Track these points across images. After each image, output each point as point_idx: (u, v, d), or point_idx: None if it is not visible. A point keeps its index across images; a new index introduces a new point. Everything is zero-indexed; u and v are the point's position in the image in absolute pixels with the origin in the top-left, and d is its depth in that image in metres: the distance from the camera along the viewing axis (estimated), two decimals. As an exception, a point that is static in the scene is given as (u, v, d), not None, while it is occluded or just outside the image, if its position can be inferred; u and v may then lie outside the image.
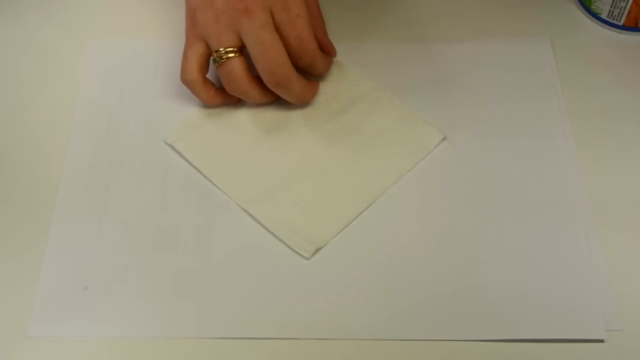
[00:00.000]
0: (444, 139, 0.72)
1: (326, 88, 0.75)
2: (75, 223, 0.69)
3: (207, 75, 0.72)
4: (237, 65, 0.69)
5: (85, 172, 0.72)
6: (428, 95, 0.75)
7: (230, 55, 0.69)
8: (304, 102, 0.73)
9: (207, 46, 0.70)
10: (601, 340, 0.62)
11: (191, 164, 0.71)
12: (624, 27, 0.80)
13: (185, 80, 0.72)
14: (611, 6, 0.79)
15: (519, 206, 0.69)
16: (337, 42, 0.76)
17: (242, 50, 0.69)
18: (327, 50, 0.74)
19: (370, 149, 0.72)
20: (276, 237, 0.68)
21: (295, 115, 0.74)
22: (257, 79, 0.71)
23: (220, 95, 0.73)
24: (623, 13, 0.79)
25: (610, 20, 0.80)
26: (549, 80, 0.77)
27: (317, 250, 0.67)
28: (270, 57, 0.68)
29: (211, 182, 0.70)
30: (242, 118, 0.74)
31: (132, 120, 0.75)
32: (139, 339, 0.63)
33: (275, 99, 0.73)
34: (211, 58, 0.70)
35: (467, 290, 0.65)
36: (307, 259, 0.67)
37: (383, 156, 0.71)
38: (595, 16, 0.81)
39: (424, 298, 0.65)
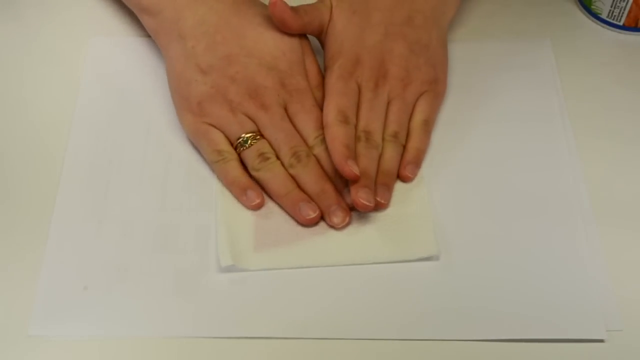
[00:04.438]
0: (434, 257, 0.67)
1: None
2: (75, 222, 0.69)
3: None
4: (267, 144, 0.70)
5: (85, 171, 0.72)
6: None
7: (258, 137, 0.70)
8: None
9: (223, 133, 0.71)
10: (601, 340, 0.62)
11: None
12: (624, 27, 0.80)
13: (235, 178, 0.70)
14: (611, 6, 0.79)
15: (519, 206, 0.69)
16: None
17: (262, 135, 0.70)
18: None
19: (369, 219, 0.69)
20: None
21: None
22: None
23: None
24: (623, 13, 0.79)
25: (610, 20, 0.81)
26: (549, 81, 0.77)
27: (232, 266, 0.66)
28: (295, 142, 0.69)
29: None
30: None
31: (132, 119, 0.75)
32: (140, 338, 0.63)
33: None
34: (235, 144, 0.70)
35: (466, 290, 0.65)
36: (222, 269, 0.66)
37: (368, 232, 0.68)
38: (595, 16, 0.81)
39: (424, 298, 0.65)
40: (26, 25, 0.82)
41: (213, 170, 0.71)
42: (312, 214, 0.67)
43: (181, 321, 0.64)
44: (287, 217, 0.69)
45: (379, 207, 0.68)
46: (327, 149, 0.68)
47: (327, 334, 0.63)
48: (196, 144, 0.72)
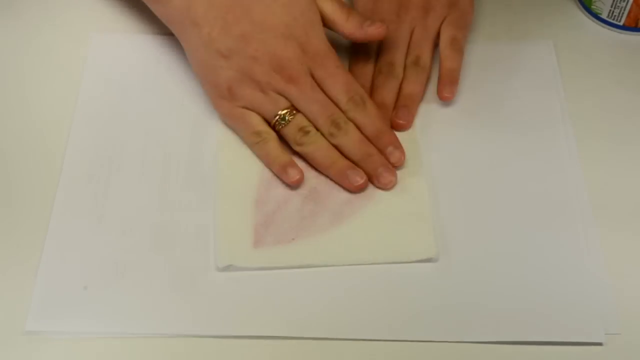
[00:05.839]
0: (432, 259, 0.67)
1: None
2: (74, 219, 0.69)
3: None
4: (304, 117, 0.71)
5: (85, 169, 0.72)
6: (431, 96, 0.76)
7: (294, 112, 0.70)
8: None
9: (259, 114, 0.71)
10: (599, 344, 0.62)
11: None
12: (624, 27, 0.80)
13: (283, 162, 0.70)
14: (611, 6, 0.79)
15: (518, 208, 0.69)
16: (342, 42, 0.77)
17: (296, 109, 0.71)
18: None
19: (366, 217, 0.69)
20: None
21: None
22: None
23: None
24: (623, 13, 0.79)
25: (610, 20, 0.81)
26: (552, 83, 0.77)
27: (230, 265, 0.66)
28: (330, 111, 0.70)
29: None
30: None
31: (133, 116, 0.75)
32: (137, 336, 0.63)
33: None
34: (273, 123, 0.71)
35: (465, 291, 0.65)
36: (219, 268, 0.66)
37: (367, 232, 0.68)
38: (596, 16, 0.81)
39: (422, 299, 0.65)
40: (27, 22, 0.81)
41: (253, 151, 0.72)
42: (360, 180, 0.69)
43: (180, 319, 0.64)
44: (286, 216, 0.69)
45: (399, 128, 0.73)
46: (361, 111, 0.70)
47: (326, 334, 0.63)
48: (233, 128, 0.73)
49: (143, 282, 0.66)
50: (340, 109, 0.70)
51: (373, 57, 0.76)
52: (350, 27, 0.73)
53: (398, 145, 0.70)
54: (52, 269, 0.66)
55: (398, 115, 0.73)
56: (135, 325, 0.64)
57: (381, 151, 0.70)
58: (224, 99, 0.71)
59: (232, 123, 0.73)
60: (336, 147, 0.70)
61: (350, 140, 0.70)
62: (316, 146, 0.70)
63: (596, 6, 0.81)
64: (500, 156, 0.72)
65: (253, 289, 0.65)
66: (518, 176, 0.71)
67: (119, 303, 0.65)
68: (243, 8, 0.71)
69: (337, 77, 0.71)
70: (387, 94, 0.74)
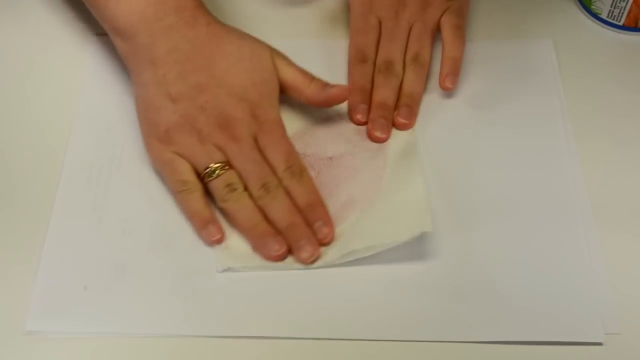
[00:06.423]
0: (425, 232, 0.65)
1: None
2: (74, 220, 0.69)
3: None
4: (235, 174, 0.68)
5: (85, 169, 0.72)
6: (431, 94, 0.76)
7: (226, 168, 0.68)
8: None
9: (190, 163, 0.69)
10: (599, 343, 0.62)
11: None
12: (624, 27, 0.81)
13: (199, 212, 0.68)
14: (611, 6, 0.79)
15: (518, 208, 0.69)
16: (340, 43, 0.78)
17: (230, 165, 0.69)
18: None
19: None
20: None
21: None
22: None
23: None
24: (623, 13, 0.79)
25: (610, 20, 0.81)
26: (552, 82, 0.77)
27: (229, 268, 0.66)
28: (264, 173, 0.68)
29: None
30: None
31: (133, 117, 0.74)
32: (138, 336, 0.63)
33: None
34: (202, 174, 0.68)
35: (465, 291, 0.65)
36: (219, 271, 0.66)
37: (363, 220, 0.68)
38: (595, 16, 0.81)
39: (423, 299, 0.65)
40: (28, 23, 0.82)
41: (175, 200, 0.69)
42: (280, 250, 0.66)
43: (180, 319, 0.64)
44: None
45: (402, 127, 0.74)
46: (297, 181, 0.68)
47: (326, 334, 0.63)
48: (160, 172, 0.70)
49: (143, 282, 0.66)
50: (276, 175, 0.68)
51: (372, 56, 0.76)
52: (312, 91, 0.71)
53: (327, 222, 0.67)
54: (52, 269, 0.66)
55: (401, 115, 0.73)
56: (135, 326, 0.64)
57: (310, 224, 0.67)
58: (158, 141, 0.69)
59: (159, 167, 0.70)
60: (262, 210, 0.67)
61: (278, 205, 0.67)
62: (240, 205, 0.67)
63: (596, 6, 0.81)
64: (500, 155, 0.72)
65: (253, 289, 0.65)
66: (517, 175, 0.71)
67: (119, 303, 0.65)
68: (205, 60, 0.70)
69: (280, 146, 0.69)
70: (388, 93, 0.74)
